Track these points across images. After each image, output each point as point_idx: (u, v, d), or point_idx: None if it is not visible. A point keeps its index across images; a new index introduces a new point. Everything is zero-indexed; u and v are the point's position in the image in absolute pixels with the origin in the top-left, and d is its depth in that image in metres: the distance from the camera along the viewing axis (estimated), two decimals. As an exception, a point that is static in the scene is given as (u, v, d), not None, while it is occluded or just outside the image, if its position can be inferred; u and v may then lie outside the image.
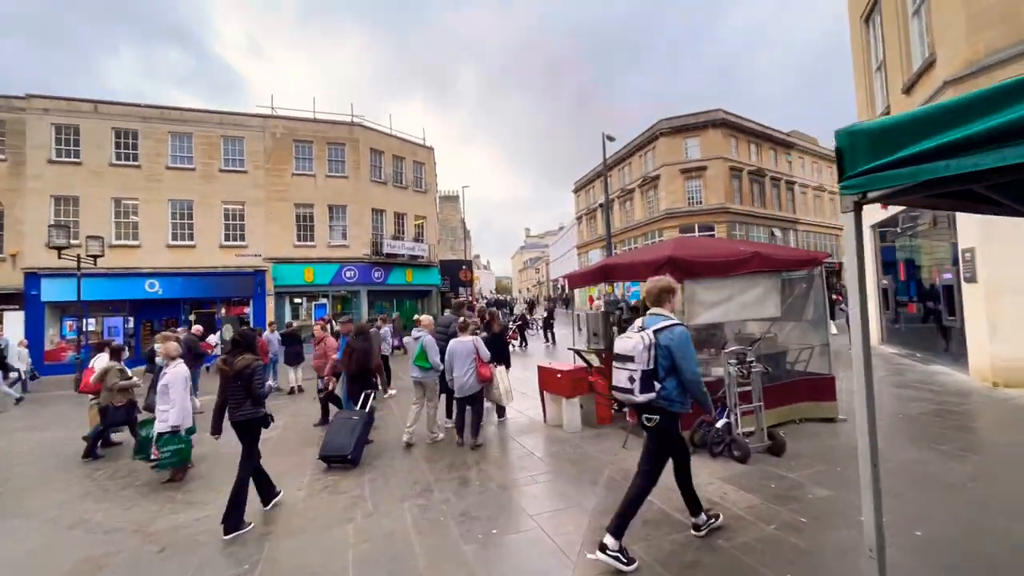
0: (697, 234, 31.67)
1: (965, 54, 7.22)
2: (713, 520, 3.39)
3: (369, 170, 23.28)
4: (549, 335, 19.18)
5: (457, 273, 34.28)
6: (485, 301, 36.92)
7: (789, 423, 5.60)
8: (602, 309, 7.16)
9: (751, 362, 4.89)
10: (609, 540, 3.02)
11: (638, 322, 3.32)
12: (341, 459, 5.48)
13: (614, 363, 3.23)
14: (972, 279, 7.41)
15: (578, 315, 7.88)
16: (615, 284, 30.92)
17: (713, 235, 31.57)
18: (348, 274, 22.02)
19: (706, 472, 4.41)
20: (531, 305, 35.54)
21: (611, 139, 20.11)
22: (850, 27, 13.40)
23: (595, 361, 6.97)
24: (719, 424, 4.75)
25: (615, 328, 6.76)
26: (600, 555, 3.01)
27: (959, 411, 6.02)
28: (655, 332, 3.12)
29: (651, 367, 3.07)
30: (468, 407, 6.09)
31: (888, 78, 10.79)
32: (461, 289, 34.55)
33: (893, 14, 10.15)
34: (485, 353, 6.06)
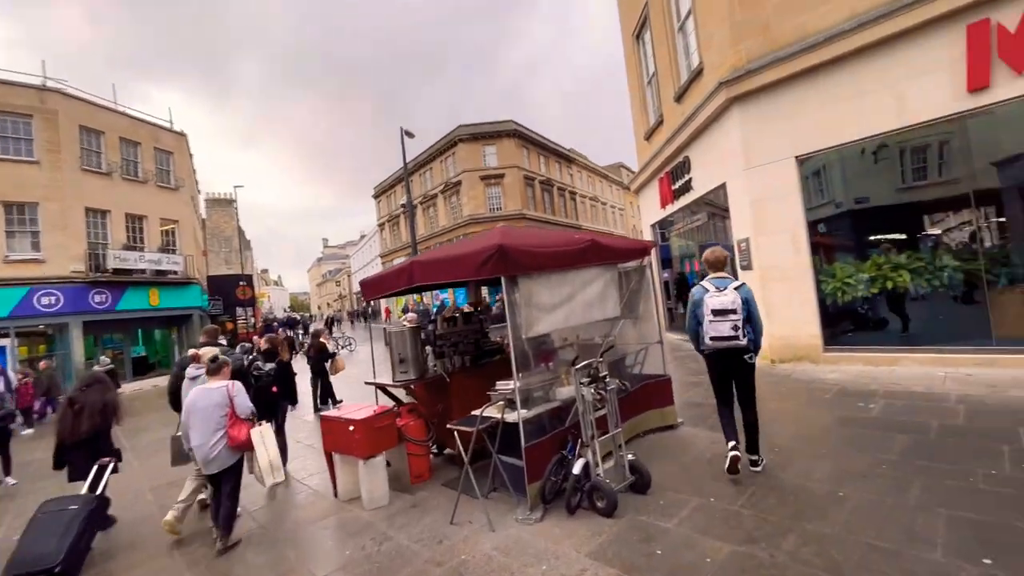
0: (500, 239, 32.54)
1: (731, 60, 7.83)
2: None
3: (79, 155, 16.84)
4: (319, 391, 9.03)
5: (233, 291, 28.31)
6: (260, 322, 31.23)
7: (634, 438, 4.84)
8: (414, 324, 5.48)
9: (604, 377, 3.84)
10: (758, 458, 3.90)
11: (709, 285, 3.90)
12: (43, 574, 3.43)
13: (714, 318, 3.77)
14: (748, 267, 8.11)
15: (384, 329, 6.03)
16: (423, 294, 29.38)
17: (514, 240, 32.86)
18: (45, 301, 15.41)
19: (569, 544, 3.12)
20: (330, 323, 31.44)
21: (410, 135, 18.58)
22: (623, 44, 14.62)
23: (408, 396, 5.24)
24: (576, 468, 3.54)
25: (429, 348, 5.15)
26: (751, 461, 3.89)
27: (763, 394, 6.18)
28: (734, 288, 3.80)
29: (743, 316, 3.72)
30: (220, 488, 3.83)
31: (660, 89, 11.80)
32: (240, 310, 28.68)
33: (661, 30, 11.04)
34: (244, 407, 3.84)
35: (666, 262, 13.64)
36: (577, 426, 3.72)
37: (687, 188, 10.50)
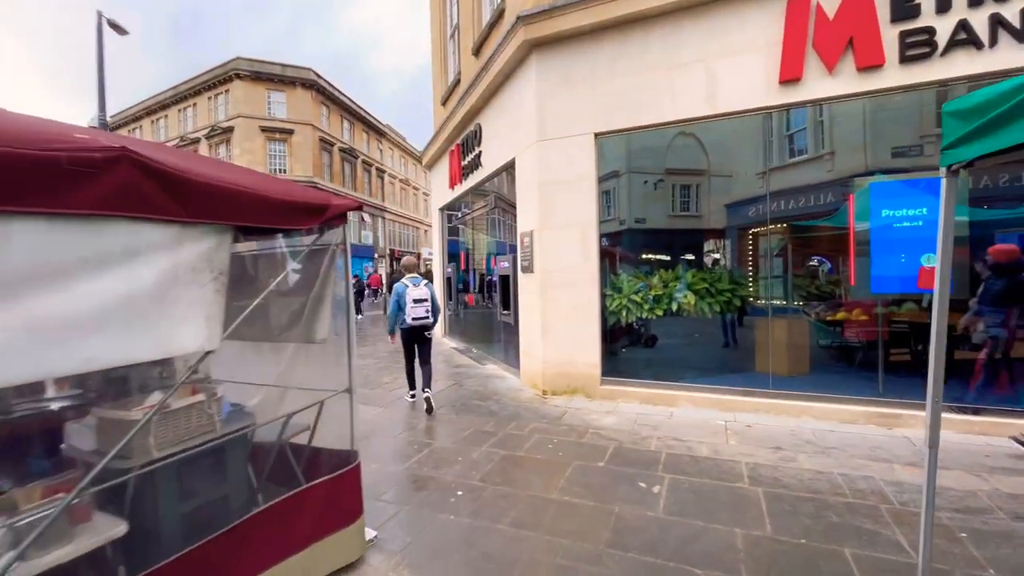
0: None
1: (534, -5, 5.87)
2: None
3: None
4: None
5: None
6: None
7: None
8: None
9: None
10: (430, 392, 5.52)
11: (408, 282, 5.36)
12: None
13: (414, 304, 5.28)
14: (529, 268, 6.32)
15: None
16: None
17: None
18: None
19: None
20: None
21: (119, 30, 12.64)
22: (429, -13, 12.09)
23: None
24: None
25: None
26: (430, 392, 5.51)
27: (526, 453, 4.26)
28: (424, 285, 5.42)
29: (430, 304, 5.38)
30: None
31: (460, 41, 9.57)
32: None
33: (467, -35, 8.81)
34: None
35: (452, 256, 11.57)
36: None
37: (476, 164, 8.45)
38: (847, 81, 4.58)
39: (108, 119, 34.65)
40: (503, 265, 7.64)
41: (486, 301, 9.56)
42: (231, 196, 2.07)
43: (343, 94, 32.18)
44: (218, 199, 2.02)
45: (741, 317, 6.43)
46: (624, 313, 5.97)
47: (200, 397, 2.16)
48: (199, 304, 2.00)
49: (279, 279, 2.45)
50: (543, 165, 5.99)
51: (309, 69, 28.77)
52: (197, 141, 29.47)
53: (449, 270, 11.18)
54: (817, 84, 4.68)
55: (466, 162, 9.01)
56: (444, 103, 10.85)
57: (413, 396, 5.86)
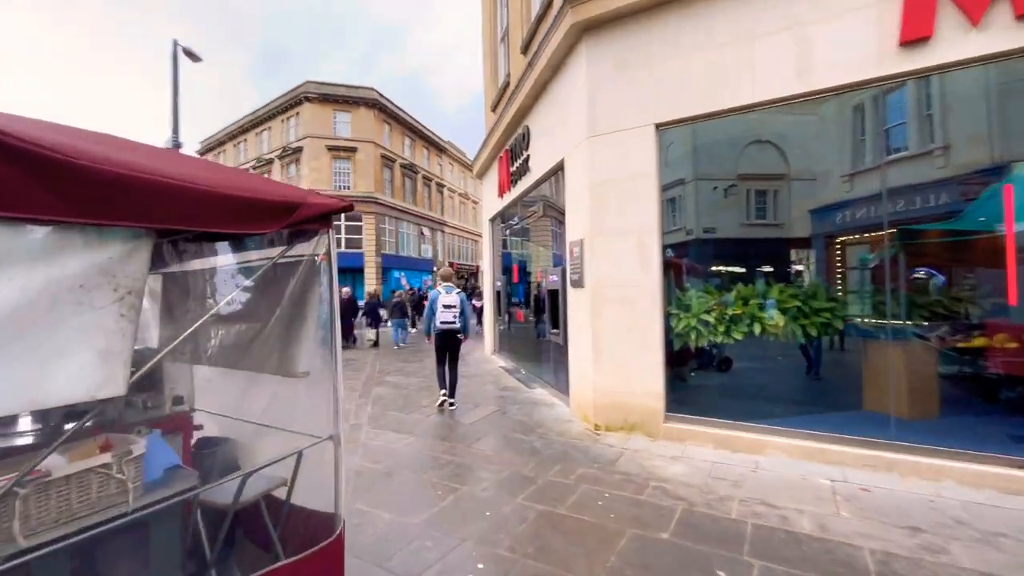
0: (344, 223, 27.86)
1: (585, -28, 5.17)
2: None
3: None
4: None
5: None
6: None
7: None
8: None
9: None
10: (451, 399, 6.17)
11: (442, 289, 6.06)
12: None
13: (443, 310, 5.95)
14: (579, 283, 5.53)
15: None
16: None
17: (360, 225, 28.45)
18: None
19: None
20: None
21: (193, 57, 13.41)
22: (481, -5, 11.76)
23: None
24: None
25: None
26: (449, 403, 6.12)
27: (569, 512, 3.46)
28: (456, 293, 6.04)
29: (459, 310, 5.99)
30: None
31: (510, 42, 9.07)
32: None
33: (516, -39, 8.31)
34: None
35: (507, 269, 10.97)
36: None
37: (524, 170, 7.83)
38: (1001, 35, 3.45)
39: (199, 144, 37.27)
40: (552, 279, 6.90)
41: (536, 317, 8.84)
42: (143, 188, 1.50)
43: (404, 112, 33.05)
44: (122, 191, 1.46)
45: (842, 341, 5.26)
46: (693, 335, 5.00)
47: (104, 458, 1.61)
48: (92, 333, 1.45)
49: (226, 299, 1.89)
50: (595, 164, 5.23)
51: (372, 89, 29.80)
52: (271, 162, 31.35)
53: (499, 283, 10.57)
54: (955, 42, 3.58)
55: (514, 168, 8.41)
56: (494, 108, 10.37)
57: (444, 394, 6.20)
